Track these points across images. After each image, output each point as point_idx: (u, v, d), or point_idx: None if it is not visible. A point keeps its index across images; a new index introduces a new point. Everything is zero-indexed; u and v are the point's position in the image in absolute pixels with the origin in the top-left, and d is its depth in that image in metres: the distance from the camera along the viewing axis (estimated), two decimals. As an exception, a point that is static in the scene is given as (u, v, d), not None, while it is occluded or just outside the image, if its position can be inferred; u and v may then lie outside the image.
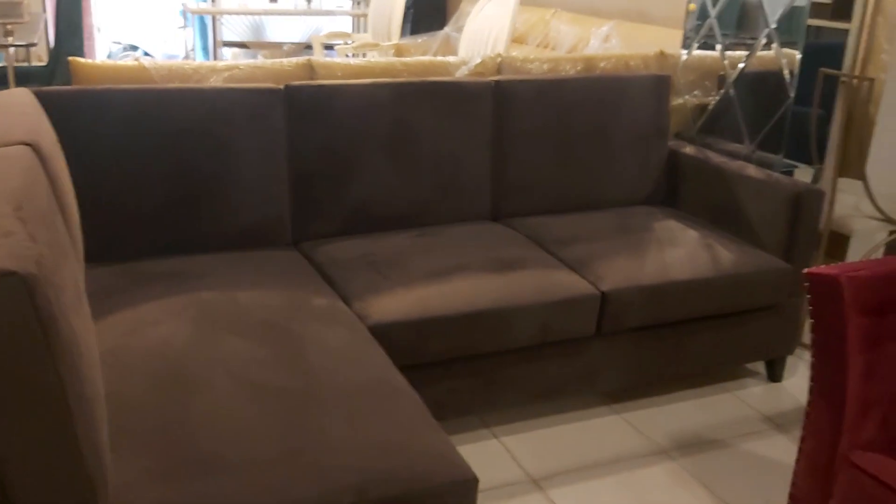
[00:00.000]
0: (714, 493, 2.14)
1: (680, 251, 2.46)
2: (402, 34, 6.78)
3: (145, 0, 8.30)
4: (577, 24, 4.91)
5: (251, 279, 2.10)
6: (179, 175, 2.25)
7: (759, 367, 2.76)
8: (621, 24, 4.62)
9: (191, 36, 8.18)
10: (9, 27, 5.14)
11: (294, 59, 2.62)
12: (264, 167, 2.35)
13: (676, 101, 3.16)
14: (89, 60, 2.37)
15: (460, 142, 2.59)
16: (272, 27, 7.60)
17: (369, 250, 2.34)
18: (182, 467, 1.36)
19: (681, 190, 2.93)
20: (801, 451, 1.71)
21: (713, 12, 3.05)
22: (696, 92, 3.18)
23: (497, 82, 2.64)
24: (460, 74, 2.83)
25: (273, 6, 6.99)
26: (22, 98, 1.95)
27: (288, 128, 2.38)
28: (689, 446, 2.34)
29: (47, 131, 1.82)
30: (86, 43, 8.81)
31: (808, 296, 1.65)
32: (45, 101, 2.06)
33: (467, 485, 1.43)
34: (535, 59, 2.98)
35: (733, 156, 2.88)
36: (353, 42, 5.37)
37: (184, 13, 7.00)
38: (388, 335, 1.99)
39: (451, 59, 2.84)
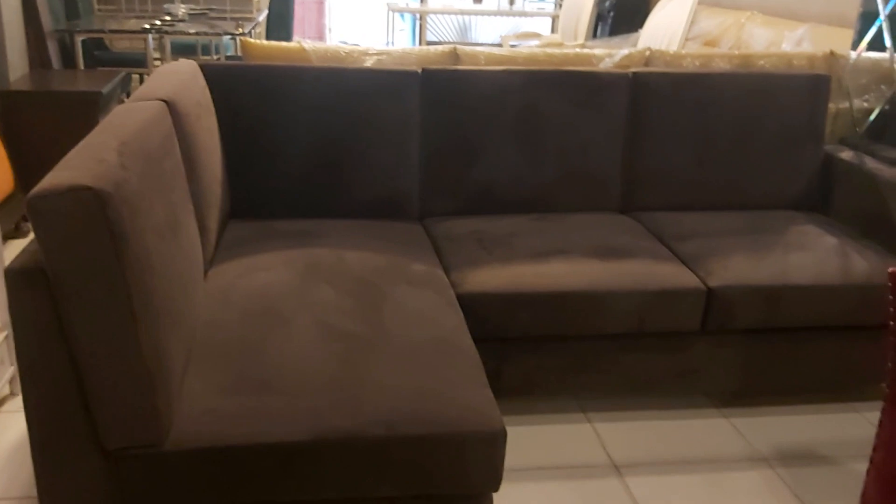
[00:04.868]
0: (806, 508, 2.04)
1: (807, 255, 2.35)
2: (601, 35, 6.78)
3: (370, 4, 8.99)
4: (771, 27, 4.70)
5: (365, 243, 2.27)
6: (321, 146, 2.48)
7: (902, 391, 2.55)
8: (817, 28, 4.36)
9: (406, 36, 8.72)
10: (240, 21, 5.88)
11: (440, 47, 2.78)
12: (398, 144, 2.52)
13: (842, 105, 2.98)
14: (256, 40, 2.67)
15: (591, 132, 2.63)
16: (478, 28, 7.89)
17: (483, 228, 2.44)
18: (243, 384, 1.55)
19: (834, 196, 2.77)
20: (871, 461, 1.61)
21: (883, 12, 2.85)
22: (866, 96, 2.98)
23: (634, 73, 2.65)
24: (604, 66, 2.86)
25: (475, 6, 7.27)
26: (184, 68, 2.26)
27: (422, 109, 2.54)
28: (793, 458, 2.23)
29: (194, 95, 2.10)
30: (318, 39, 9.63)
31: (890, 296, 1.55)
32: (208, 72, 2.37)
33: (494, 436, 1.51)
34: (687, 55, 2.93)
35: (894, 163, 2.68)
36: (538, 41, 5.48)
37: (388, 13, 7.45)
38: (476, 305, 2.09)
39: (596, 51, 2.87)
